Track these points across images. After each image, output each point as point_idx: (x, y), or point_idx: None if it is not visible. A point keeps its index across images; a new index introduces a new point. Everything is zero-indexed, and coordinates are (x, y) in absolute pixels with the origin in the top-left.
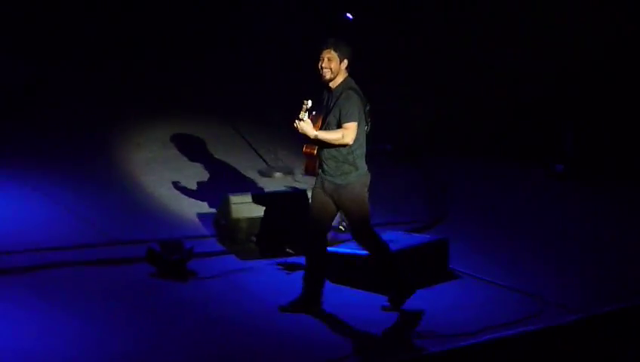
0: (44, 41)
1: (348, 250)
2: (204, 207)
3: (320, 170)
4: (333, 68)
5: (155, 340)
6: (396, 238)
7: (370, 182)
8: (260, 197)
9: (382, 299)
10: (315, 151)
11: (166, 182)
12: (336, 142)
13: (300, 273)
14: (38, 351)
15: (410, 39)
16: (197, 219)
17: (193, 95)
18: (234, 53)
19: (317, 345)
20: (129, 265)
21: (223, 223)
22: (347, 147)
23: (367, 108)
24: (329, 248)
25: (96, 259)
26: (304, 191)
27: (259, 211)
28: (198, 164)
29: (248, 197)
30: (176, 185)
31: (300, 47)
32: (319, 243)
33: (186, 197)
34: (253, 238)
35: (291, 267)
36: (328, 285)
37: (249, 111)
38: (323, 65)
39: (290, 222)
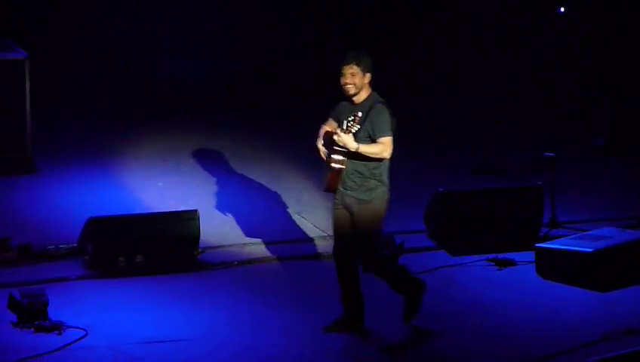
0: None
1: (560, 246)
2: (414, 201)
3: (341, 187)
4: (357, 83)
5: (367, 333)
6: (610, 234)
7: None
8: (477, 192)
9: (595, 296)
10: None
11: None
12: (375, 156)
13: (512, 269)
14: (250, 342)
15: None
16: (406, 214)
17: None
18: None
19: (528, 342)
20: None
21: (437, 218)
22: (375, 161)
23: (394, 121)
24: (539, 244)
25: (304, 253)
26: (538, 187)
27: (474, 206)
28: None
29: (466, 193)
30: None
31: None
32: (349, 262)
33: (395, 191)
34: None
35: (502, 263)
36: (540, 282)
37: None
38: (346, 81)
39: (512, 217)
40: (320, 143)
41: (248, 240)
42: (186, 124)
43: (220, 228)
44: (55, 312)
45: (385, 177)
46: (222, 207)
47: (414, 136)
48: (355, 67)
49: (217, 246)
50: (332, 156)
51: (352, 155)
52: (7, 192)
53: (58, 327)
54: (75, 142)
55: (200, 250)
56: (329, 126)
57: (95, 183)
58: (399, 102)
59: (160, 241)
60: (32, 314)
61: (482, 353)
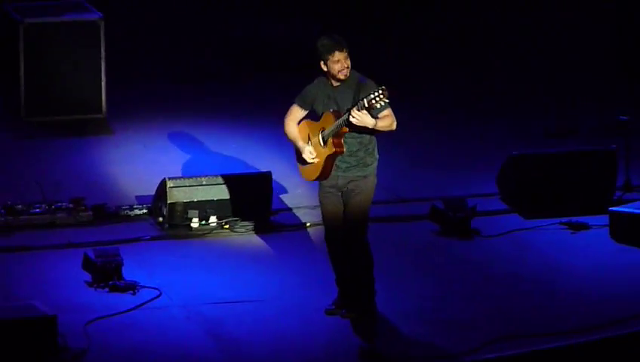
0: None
1: (634, 210)
2: (486, 164)
3: (333, 171)
4: (350, 66)
5: (439, 297)
6: None
7: None
8: (550, 155)
9: None
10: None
11: (447, 139)
12: (388, 129)
13: (585, 232)
14: (322, 304)
15: None
16: (478, 177)
17: None
18: None
19: (602, 306)
20: (413, 222)
21: (510, 181)
22: (369, 136)
23: None
24: (613, 208)
25: (381, 215)
26: (612, 150)
27: (547, 169)
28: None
29: (539, 156)
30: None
31: None
32: (341, 246)
33: (468, 155)
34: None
35: (576, 226)
36: (614, 245)
37: None
38: (345, 66)
39: (586, 180)
40: (300, 142)
41: None
42: (260, 86)
43: (292, 190)
44: (129, 272)
45: (376, 152)
46: (294, 169)
47: (485, 98)
48: (346, 51)
49: (289, 208)
50: (332, 140)
51: (374, 132)
52: (82, 153)
53: (132, 287)
54: (149, 103)
55: (272, 211)
56: (293, 114)
57: (169, 144)
58: (465, 64)
59: (233, 202)
60: (107, 273)
61: (556, 315)
